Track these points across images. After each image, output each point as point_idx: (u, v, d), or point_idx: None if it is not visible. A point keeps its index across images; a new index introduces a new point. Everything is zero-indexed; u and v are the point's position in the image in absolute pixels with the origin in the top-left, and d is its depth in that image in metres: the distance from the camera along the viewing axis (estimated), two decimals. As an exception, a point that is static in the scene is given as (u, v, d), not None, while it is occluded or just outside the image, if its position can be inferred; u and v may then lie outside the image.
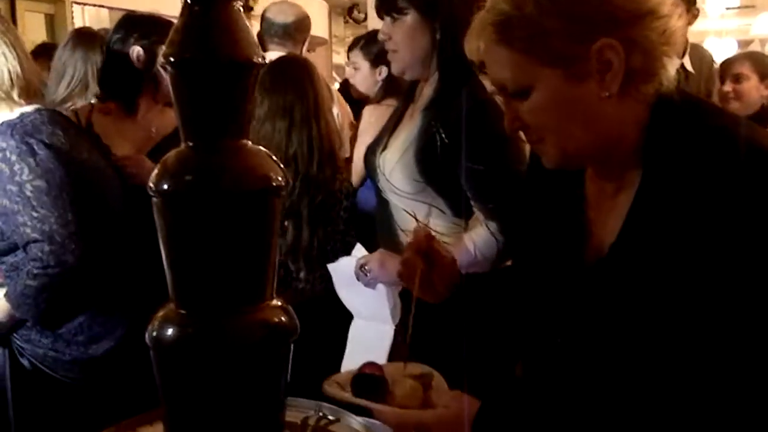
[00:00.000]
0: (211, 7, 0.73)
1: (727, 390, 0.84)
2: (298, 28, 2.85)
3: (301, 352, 0.84)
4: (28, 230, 1.51)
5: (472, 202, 1.64)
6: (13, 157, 1.51)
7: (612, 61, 0.85)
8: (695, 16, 2.89)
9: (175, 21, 0.77)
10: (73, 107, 1.93)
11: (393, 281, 1.64)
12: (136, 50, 1.83)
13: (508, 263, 1.64)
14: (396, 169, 1.67)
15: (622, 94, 0.87)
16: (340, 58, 8.18)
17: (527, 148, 1.54)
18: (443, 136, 1.60)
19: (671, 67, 0.88)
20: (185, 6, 0.73)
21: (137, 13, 2.09)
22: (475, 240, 1.63)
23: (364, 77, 2.81)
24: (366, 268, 1.72)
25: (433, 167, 1.62)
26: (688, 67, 2.98)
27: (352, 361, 1.64)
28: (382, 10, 1.69)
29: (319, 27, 9.51)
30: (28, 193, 1.51)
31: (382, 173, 1.72)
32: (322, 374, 1.12)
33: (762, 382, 0.83)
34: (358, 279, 1.74)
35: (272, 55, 2.52)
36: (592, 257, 0.95)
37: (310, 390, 1.10)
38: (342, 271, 1.81)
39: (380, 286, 1.72)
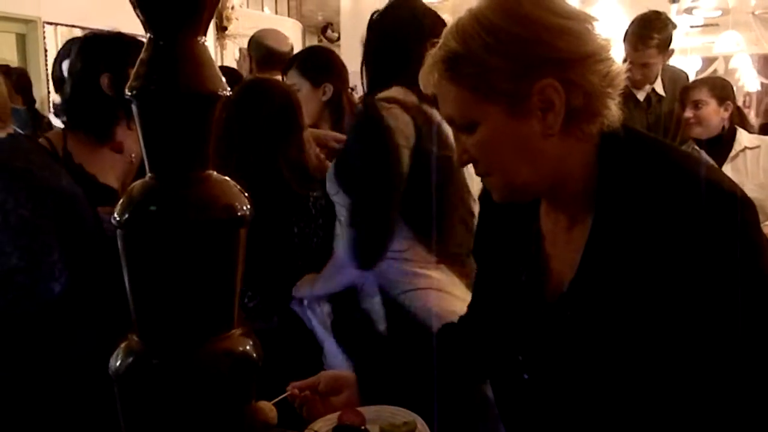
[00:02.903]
0: (176, 41, 0.74)
1: (689, 417, 0.86)
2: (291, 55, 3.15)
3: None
4: (14, 259, 1.48)
5: None
6: None
7: (553, 100, 0.87)
8: (670, 55, 3.02)
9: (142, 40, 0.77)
10: (44, 134, 1.91)
11: (317, 295, 2.01)
12: (107, 77, 1.75)
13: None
14: (328, 177, 2.00)
15: (564, 132, 0.89)
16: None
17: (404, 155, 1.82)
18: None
19: (614, 106, 0.91)
20: (150, 40, 0.74)
21: (97, 34, 1.99)
22: (342, 236, 1.91)
23: (306, 98, 2.44)
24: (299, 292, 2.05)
25: (340, 172, 1.95)
26: (660, 91, 3.07)
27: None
28: None
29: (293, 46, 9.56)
30: (13, 222, 1.49)
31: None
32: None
33: (723, 408, 0.85)
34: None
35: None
36: (552, 292, 0.97)
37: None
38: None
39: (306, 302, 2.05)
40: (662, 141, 0.98)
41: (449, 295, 1.82)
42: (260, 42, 3.16)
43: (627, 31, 2.98)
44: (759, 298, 0.83)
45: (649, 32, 2.90)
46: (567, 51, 0.87)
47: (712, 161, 2.86)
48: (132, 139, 1.91)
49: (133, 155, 1.88)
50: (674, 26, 3.03)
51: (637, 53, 2.91)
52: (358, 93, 2.75)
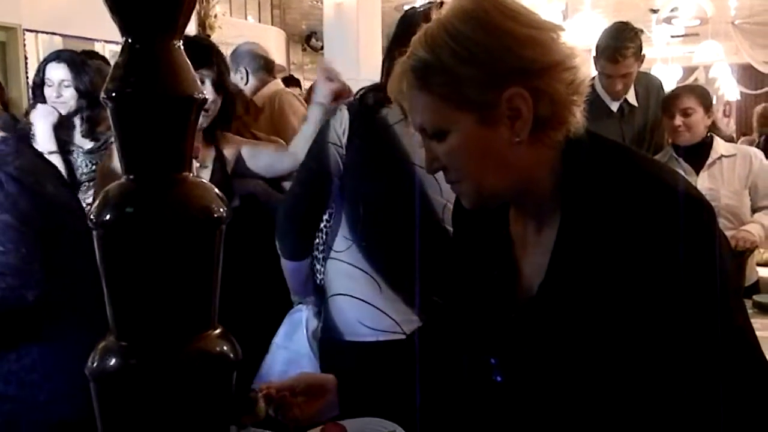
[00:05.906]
0: (152, 45, 0.75)
1: (660, 411, 0.88)
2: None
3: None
4: None
5: None
6: None
7: (521, 109, 0.89)
8: (642, 61, 3.05)
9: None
10: None
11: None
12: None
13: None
14: None
15: (532, 139, 0.91)
16: (298, 84, 8.29)
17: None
18: None
19: (580, 114, 0.93)
20: (126, 44, 0.75)
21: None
22: None
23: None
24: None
25: None
26: (632, 100, 3.09)
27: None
28: None
29: (277, 54, 9.58)
30: None
31: None
32: None
33: (693, 397, 0.87)
34: None
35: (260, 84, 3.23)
36: (522, 296, 0.99)
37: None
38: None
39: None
40: (625, 146, 1.01)
41: (371, 307, 1.79)
42: (255, 53, 3.33)
43: (599, 45, 2.99)
44: (723, 297, 0.85)
45: (624, 43, 2.92)
46: (534, 60, 0.88)
47: (690, 168, 2.91)
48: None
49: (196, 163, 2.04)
50: (642, 32, 3.07)
51: (617, 65, 2.93)
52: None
